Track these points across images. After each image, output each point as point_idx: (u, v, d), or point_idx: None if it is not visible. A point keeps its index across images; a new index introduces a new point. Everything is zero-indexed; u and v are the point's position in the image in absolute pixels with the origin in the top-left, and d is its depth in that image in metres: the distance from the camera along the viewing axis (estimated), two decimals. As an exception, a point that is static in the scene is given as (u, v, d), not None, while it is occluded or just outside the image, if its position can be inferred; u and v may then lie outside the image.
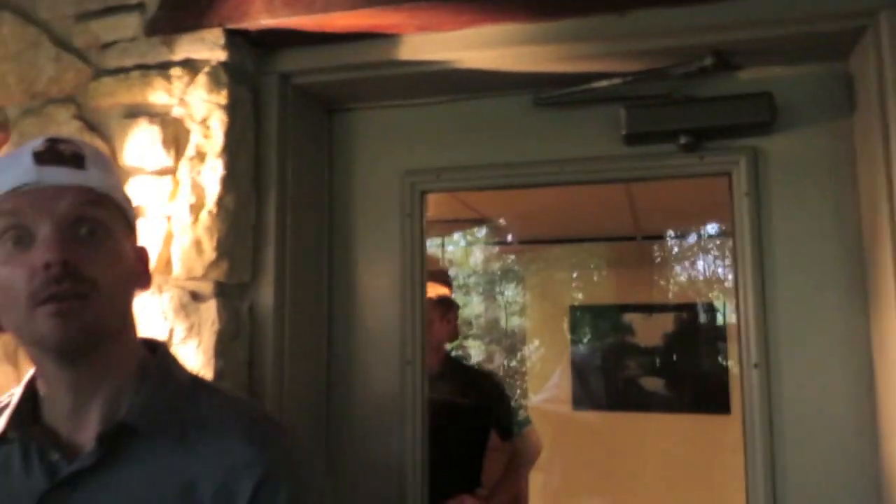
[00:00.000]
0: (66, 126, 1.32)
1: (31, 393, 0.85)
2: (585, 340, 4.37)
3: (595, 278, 4.58)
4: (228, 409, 0.88)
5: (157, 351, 0.90)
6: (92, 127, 1.32)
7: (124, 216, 0.86)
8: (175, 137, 1.26)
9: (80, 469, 0.78)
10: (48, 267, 0.75)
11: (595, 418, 4.17)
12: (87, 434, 0.81)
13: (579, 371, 4.28)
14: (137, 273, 0.88)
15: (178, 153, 1.26)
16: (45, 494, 0.78)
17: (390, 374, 1.40)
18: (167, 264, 1.24)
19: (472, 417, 2.21)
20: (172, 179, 1.25)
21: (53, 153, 0.81)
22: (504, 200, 3.35)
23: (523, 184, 1.41)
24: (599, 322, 4.39)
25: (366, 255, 1.44)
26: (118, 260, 0.82)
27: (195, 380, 0.91)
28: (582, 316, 4.42)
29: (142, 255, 0.91)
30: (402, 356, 1.40)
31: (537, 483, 3.74)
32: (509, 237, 4.58)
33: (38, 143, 0.82)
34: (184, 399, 0.86)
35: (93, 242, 0.80)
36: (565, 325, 4.38)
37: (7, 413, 0.83)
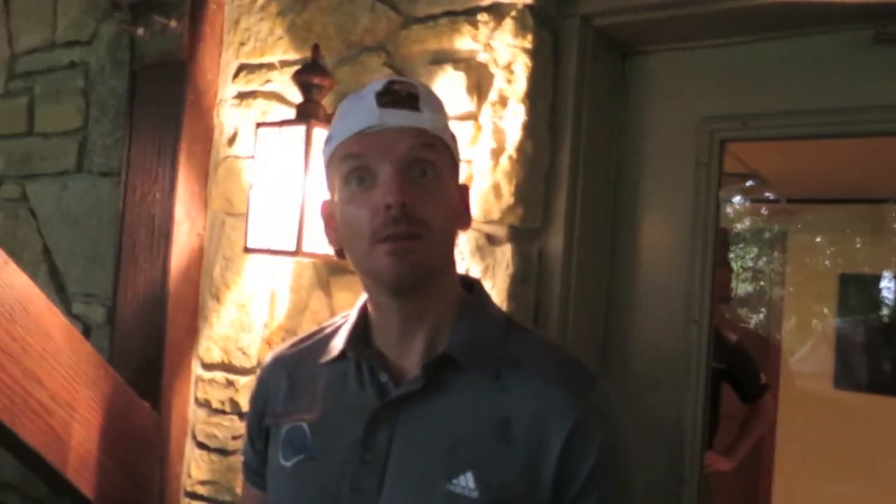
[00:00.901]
0: (377, 73, 1.42)
1: (363, 318, 0.93)
2: (853, 314, 3.90)
3: (870, 244, 4.03)
4: (542, 350, 0.89)
5: (473, 288, 0.94)
6: (400, 73, 1.41)
7: (451, 156, 0.90)
8: (478, 83, 1.30)
9: (407, 392, 0.85)
10: (388, 208, 0.80)
11: (857, 400, 3.74)
12: (411, 360, 0.87)
13: (844, 347, 3.84)
14: (460, 213, 0.91)
15: (481, 98, 1.29)
16: (377, 411, 0.86)
17: (672, 332, 1.35)
18: (464, 206, 1.30)
19: (713, 378, 2.25)
20: (474, 124, 1.29)
21: (394, 95, 0.85)
22: (777, 151, 3.03)
23: (853, 132, 1.25)
24: (870, 294, 3.89)
25: (653, 206, 1.39)
26: (446, 201, 0.86)
27: (509, 319, 0.94)
28: (851, 286, 3.94)
29: (463, 194, 0.94)
30: (688, 314, 1.34)
31: (785, 458, 3.48)
32: (770, 195, 4.17)
33: (379, 85, 0.86)
34: (499, 337, 0.89)
35: (425, 184, 0.84)
36: (832, 295, 3.93)
37: (344, 334, 0.92)
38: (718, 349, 2.32)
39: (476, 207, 1.27)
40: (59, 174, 2.12)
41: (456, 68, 1.31)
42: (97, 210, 1.99)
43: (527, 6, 1.25)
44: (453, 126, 1.29)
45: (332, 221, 0.91)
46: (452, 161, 0.90)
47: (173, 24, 1.66)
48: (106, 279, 1.91)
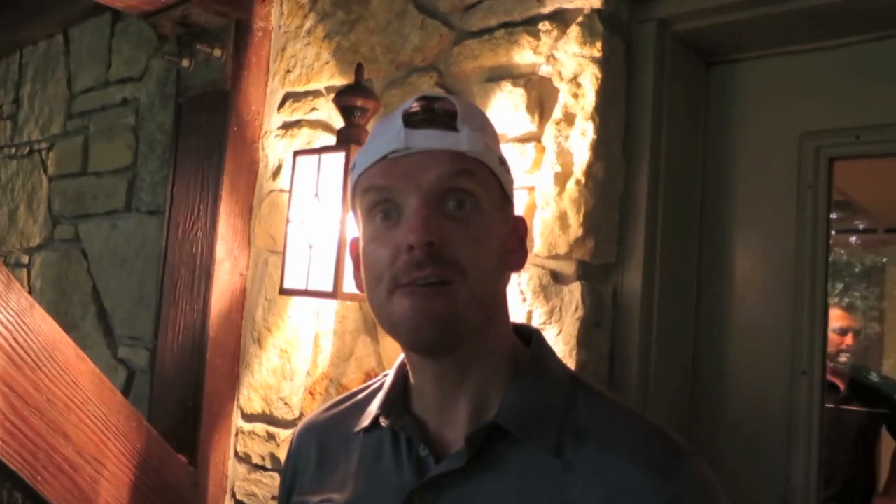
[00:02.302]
0: (427, 93, 1.29)
1: (402, 378, 0.78)
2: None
3: None
4: (618, 419, 0.71)
5: (531, 341, 0.77)
6: (452, 93, 1.27)
7: (498, 183, 0.73)
8: (540, 99, 1.14)
9: (448, 470, 0.69)
10: (411, 249, 0.66)
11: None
12: (455, 430, 0.71)
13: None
14: (510, 250, 0.75)
15: (543, 117, 1.14)
16: (412, 493, 0.70)
17: (775, 385, 1.14)
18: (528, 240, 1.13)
19: (864, 421, 2.24)
20: (536, 146, 1.13)
21: (424, 112, 0.71)
22: (874, 173, 2.74)
23: None
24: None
25: (749, 237, 1.19)
26: (489, 238, 0.70)
27: (575, 379, 0.76)
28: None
29: (518, 227, 0.78)
30: (794, 364, 1.12)
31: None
32: (861, 223, 3.82)
33: (410, 102, 0.73)
34: (562, 401, 0.72)
35: (461, 218, 0.68)
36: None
37: (379, 398, 0.78)
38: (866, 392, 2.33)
39: (539, 241, 1.10)
40: (109, 213, 2.07)
41: (515, 84, 1.16)
42: (144, 249, 1.92)
43: (595, 11, 1.09)
44: (512, 149, 1.15)
45: (360, 263, 0.76)
46: (500, 190, 0.74)
47: (217, 53, 1.58)
48: (150, 321, 1.82)
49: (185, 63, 1.63)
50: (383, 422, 0.75)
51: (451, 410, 0.72)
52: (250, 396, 1.53)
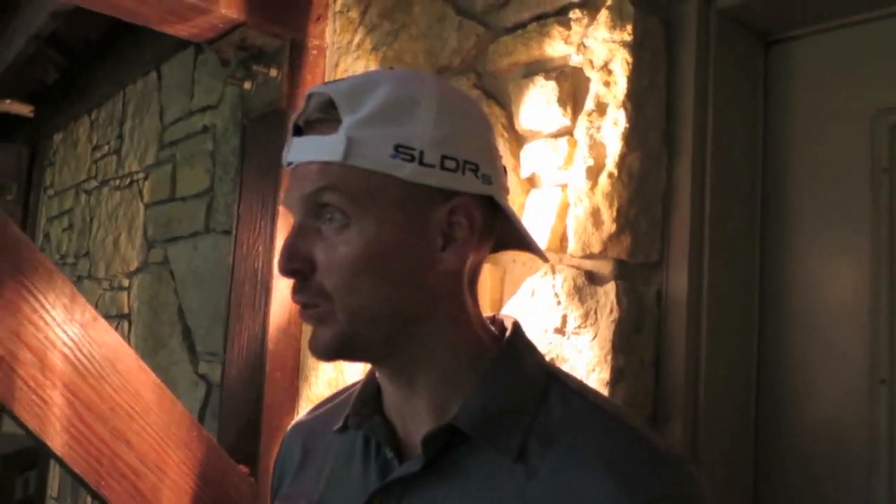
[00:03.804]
0: (465, 96, 1.26)
1: (373, 377, 0.74)
2: None
3: None
4: (593, 421, 0.64)
5: (504, 336, 0.70)
6: (490, 94, 1.23)
7: (396, 180, 0.63)
8: (573, 92, 1.08)
9: (406, 474, 0.65)
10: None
11: None
12: (420, 430, 0.67)
13: None
14: (439, 246, 0.65)
15: (576, 109, 1.07)
16: (374, 495, 0.66)
17: (851, 398, 1.00)
18: (562, 240, 1.07)
19: None
20: (569, 141, 1.07)
21: (305, 116, 0.66)
22: None
23: None
24: None
25: (815, 230, 1.06)
26: (365, 251, 0.62)
27: (552, 377, 0.69)
28: None
29: (455, 214, 0.65)
30: (872, 373, 0.99)
31: None
32: None
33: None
34: (533, 401, 0.65)
35: (329, 235, 0.63)
36: None
37: (353, 398, 0.74)
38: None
39: (573, 240, 1.04)
40: (191, 235, 2.18)
41: (547, 78, 1.11)
42: (219, 268, 2.00)
43: (627, -8, 1.03)
44: (544, 146, 1.10)
45: None
46: (398, 184, 0.63)
47: (273, 73, 1.62)
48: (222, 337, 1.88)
49: (246, 86, 1.69)
50: (352, 422, 0.71)
51: (412, 412, 0.68)
52: (308, 408, 1.53)
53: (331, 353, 0.65)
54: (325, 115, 0.64)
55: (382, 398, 0.72)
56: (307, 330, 1.57)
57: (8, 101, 3.54)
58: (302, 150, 0.65)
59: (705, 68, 1.05)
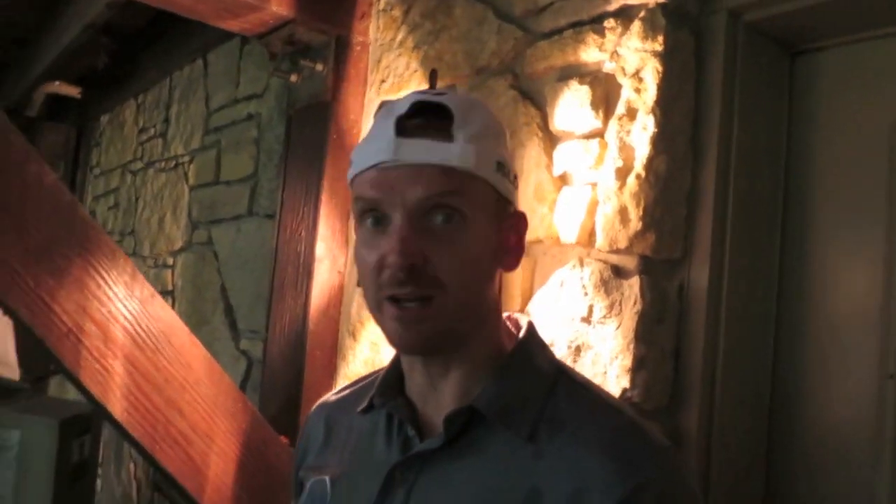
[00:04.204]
0: (502, 97, 1.33)
1: (397, 363, 0.82)
2: None
3: None
4: (594, 411, 0.72)
5: (520, 333, 0.79)
6: (526, 95, 1.30)
7: (494, 190, 0.72)
8: (605, 96, 1.15)
9: (427, 449, 0.73)
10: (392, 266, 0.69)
11: None
12: (440, 413, 0.75)
13: None
14: (506, 249, 0.75)
15: (608, 113, 1.14)
16: (395, 468, 0.74)
17: (861, 391, 1.07)
18: (590, 235, 1.14)
19: None
20: (600, 142, 1.14)
21: (417, 118, 0.70)
22: None
23: None
24: None
25: (832, 232, 1.12)
26: (474, 250, 0.70)
27: (560, 372, 0.77)
28: None
29: (517, 223, 0.77)
30: (882, 368, 1.05)
31: None
32: None
33: (405, 103, 0.71)
34: (542, 393, 0.74)
35: (445, 234, 0.69)
36: None
37: (378, 380, 0.82)
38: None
39: (601, 235, 1.11)
40: (235, 218, 2.28)
41: (581, 82, 1.17)
42: (262, 250, 2.10)
43: (659, 5, 1.09)
44: (576, 146, 1.17)
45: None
46: (495, 195, 0.73)
47: (319, 67, 1.71)
48: (264, 316, 1.99)
49: (293, 78, 1.78)
50: (377, 402, 0.80)
51: (437, 395, 0.76)
52: (345, 386, 1.63)
53: (429, 345, 0.71)
54: (436, 125, 0.69)
55: (405, 383, 0.80)
56: (346, 312, 1.67)
57: (57, 82, 3.68)
58: (415, 152, 0.68)
59: (732, 77, 1.11)
